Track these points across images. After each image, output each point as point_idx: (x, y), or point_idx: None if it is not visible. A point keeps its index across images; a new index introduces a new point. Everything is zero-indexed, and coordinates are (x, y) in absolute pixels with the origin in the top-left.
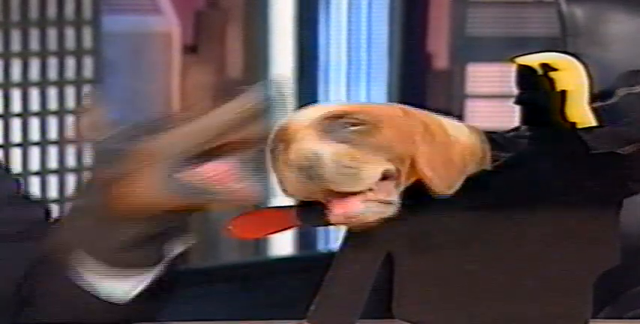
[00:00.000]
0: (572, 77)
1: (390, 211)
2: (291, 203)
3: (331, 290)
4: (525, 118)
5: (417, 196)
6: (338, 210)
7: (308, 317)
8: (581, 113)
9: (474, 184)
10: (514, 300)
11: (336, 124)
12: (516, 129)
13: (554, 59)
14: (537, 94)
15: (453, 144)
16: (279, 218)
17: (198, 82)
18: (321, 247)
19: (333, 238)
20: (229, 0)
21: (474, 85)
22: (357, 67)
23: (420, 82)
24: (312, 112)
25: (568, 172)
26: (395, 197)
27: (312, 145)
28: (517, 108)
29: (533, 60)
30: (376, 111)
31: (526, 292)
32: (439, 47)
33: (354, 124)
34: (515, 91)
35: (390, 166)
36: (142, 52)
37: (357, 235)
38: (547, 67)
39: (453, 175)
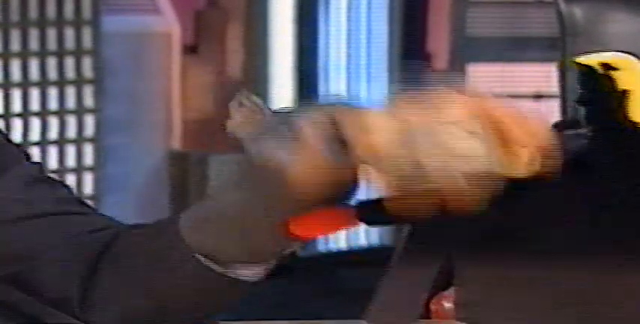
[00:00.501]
0: (633, 77)
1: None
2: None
3: (390, 290)
4: (587, 119)
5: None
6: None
7: (366, 316)
8: None
9: (536, 186)
10: (582, 308)
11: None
12: (572, 121)
13: (615, 58)
14: (598, 94)
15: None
16: (338, 217)
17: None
18: (321, 247)
19: (332, 239)
20: (229, 0)
21: (473, 85)
22: (357, 66)
23: (419, 81)
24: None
25: (631, 173)
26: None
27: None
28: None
29: (594, 59)
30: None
31: (597, 302)
32: (439, 47)
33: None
34: (513, 90)
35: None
36: (142, 52)
37: (419, 236)
38: (607, 67)
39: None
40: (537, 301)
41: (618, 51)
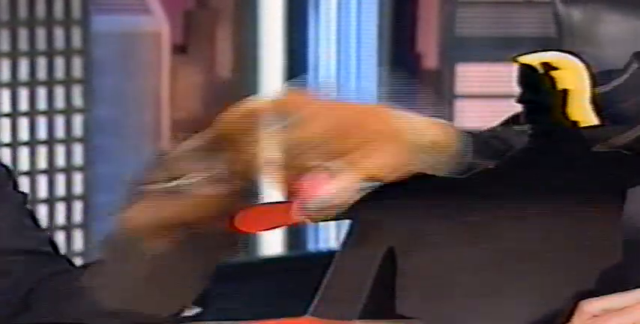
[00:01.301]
0: (573, 76)
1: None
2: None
3: (334, 284)
4: (527, 117)
5: (417, 191)
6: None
7: (311, 311)
8: (582, 112)
9: (476, 180)
10: (513, 298)
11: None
12: (507, 123)
13: (555, 58)
14: (539, 93)
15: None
16: (282, 212)
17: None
18: (311, 246)
19: (322, 238)
20: (219, 0)
21: (463, 85)
22: (347, 66)
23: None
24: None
25: (569, 171)
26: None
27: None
28: (506, 108)
29: (534, 59)
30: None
31: (525, 291)
32: (428, 47)
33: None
34: (503, 91)
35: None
36: (132, 52)
37: (360, 230)
38: (548, 66)
39: (392, 161)
40: (467, 291)
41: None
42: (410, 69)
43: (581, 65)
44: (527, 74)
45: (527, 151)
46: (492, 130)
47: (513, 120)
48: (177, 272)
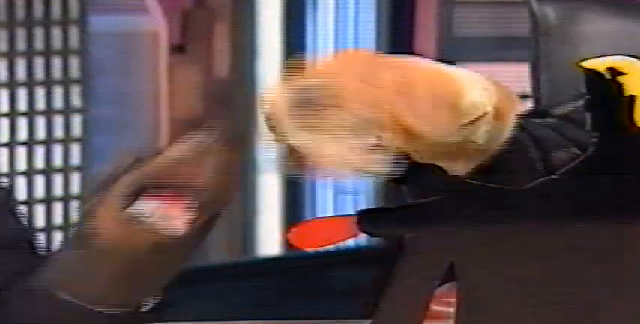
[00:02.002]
0: None
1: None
2: (352, 213)
3: (393, 298)
4: (593, 124)
5: (480, 206)
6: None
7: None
8: None
9: (539, 189)
10: (580, 317)
11: (306, 113)
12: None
13: (622, 63)
14: (605, 98)
15: (444, 92)
16: (340, 227)
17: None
18: None
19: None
20: (216, 0)
21: None
22: None
23: None
24: (284, 97)
25: (637, 179)
26: (386, 162)
27: (294, 141)
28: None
29: (600, 63)
30: (338, 86)
31: (596, 311)
32: (426, 47)
33: (320, 110)
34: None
35: (370, 139)
36: (130, 52)
37: (418, 244)
38: (614, 71)
39: (442, 117)
40: (532, 301)
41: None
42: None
43: None
44: (593, 79)
45: (593, 160)
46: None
47: (530, 114)
48: (144, 271)
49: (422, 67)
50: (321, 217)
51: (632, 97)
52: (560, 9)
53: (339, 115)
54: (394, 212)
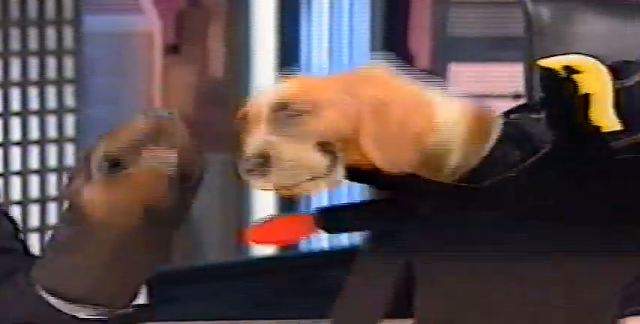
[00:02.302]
0: (596, 80)
1: (328, 185)
2: (311, 211)
3: (352, 293)
4: (549, 121)
5: (436, 203)
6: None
7: (331, 320)
8: (605, 117)
9: (498, 188)
10: (535, 309)
11: (280, 116)
12: (519, 107)
13: (578, 61)
14: (561, 97)
15: (418, 121)
16: (299, 225)
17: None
18: (303, 246)
19: (314, 239)
20: None
21: (455, 84)
22: (339, 66)
23: None
24: (263, 100)
25: (592, 176)
26: (332, 174)
27: (261, 142)
28: (499, 108)
29: (556, 62)
30: (318, 95)
31: (548, 302)
32: (420, 47)
33: (293, 115)
34: (495, 90)
35: (324, 148)
36: (124, 52)
37: (378, 241)
38: (570, 70)
39: (403, 155)
40: (484, 301)
41: (584, 51)
42: (402, 68)
43: (604, 69)
44: (549, 78)
45: (549, 157)
46: (510, 118)
47: (523, 108)
48: (131, 260)
49: (411, 93)
50: (282, 215)
51: (587, 96)
52: (554, 9)
53: (309, 123)
54: (352, 210)
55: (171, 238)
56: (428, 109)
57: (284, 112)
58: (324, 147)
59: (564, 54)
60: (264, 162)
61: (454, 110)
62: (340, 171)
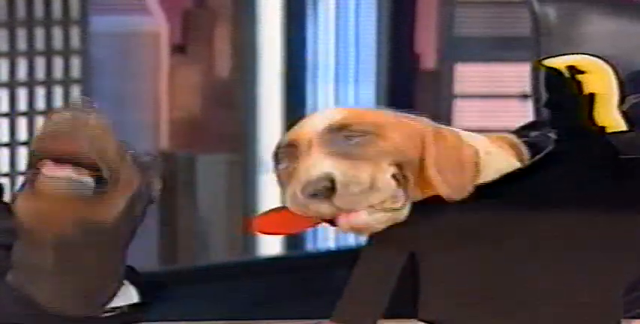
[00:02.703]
0: (600, 80)
1: (398, 217)
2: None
3: (355, 289)
4: (553, 122)
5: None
6: (342, 219)
7: (333, 315)
8: (610, 117)
9: (500, 185)
10: (537, 301)
11: (338, 138)
12: (533, 125)
13: (582, 61)
14: (565, 97)
15: (466, 148)
16: (302, 217)
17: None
18: (309, 246)
19: (321, 238)
20: (217, 0)
21: (462, 85)
22: (345, 66)
23: (408, 82)
24: (316, 124)
25: (596, 176)
26: (403, 203)
27: (321, 168)
28: (505, 108)
29: (560, 62)
30: (378, 118)
31: (549, 297)
32: (427, 47)
33: (355, 136)
34: (502, 90)
35: (394, 171)
36: (130, 52)
37: (381, 235)
38: (574, 70)
39: (462, 180)
40: (491, 294)
41: (591, 51)
42: (408, 69)
43: (608, 69)
44: (553, 78)
45: (552, 157)
46: (531, 138)
47: (540, 126)
48: (78, 268)
49: (441, 126)
50: (285, 207)
51: (591, 96)
52: (561, 9)
53: (376, 143)
54: None
55: (119, 246)
56: (466, 139)
57: (342, 134)
58: (394, 174)
59: (571, 54)
60: (330, 185)
61: (482, 141)
62: (409, 201)
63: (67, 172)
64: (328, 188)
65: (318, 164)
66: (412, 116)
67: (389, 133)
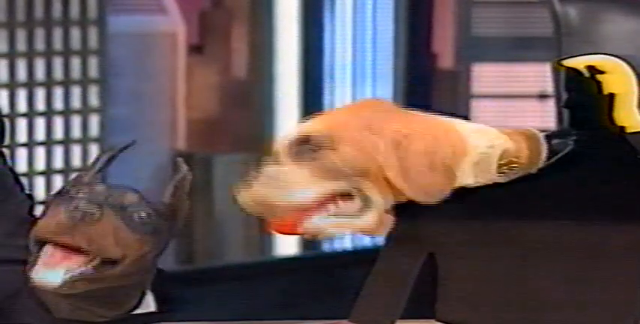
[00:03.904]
0: (620, 80)
1: (357, 223)
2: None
3: (373, 289)
4: (573, 122)
5: (460, 197)
6: (298, 227)
7: (351, 316)
8: (630, 117)
9: (520, 185)
10: (555, 303)
11: (303, 149)
12: (557, 134)
13: (601, 62)
14: (585, 97)
15: (443, 150)
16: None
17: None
18: (325, 246)
19: (337, 238)
20: (234, 0)
21: (479, 84)
22: (363, 66)
23: (425, 82)
24: (291, 135)
25: (615, 176)
26: (358, 210)
27: (280, 167)
28: (523, 107)
29: (580, 62)
30: (339, 130)
31: (569, 297)
32: (444, 47)
33: (314, 149)
34: (518, 90)
35: (347, 184)
36: (148, 53)
37: (400, 236)
38: (594, 70)
39: (434, 184)
40: (508, 295)
41: (612, 51)
42: (426, 69)
43: (628, 69)
44: (573, 78)
45: (572, 157)
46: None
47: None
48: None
49: (432, 122)
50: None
51: (611, 96)
52: (582, 9)
53: (330, 157)
54: None
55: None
56: (454, 135)
57: (306, 147)
58: (354, 186)
59: (592, 54)
60: (270, 177)
61: (487, 134)
62: (373, 213)
63: (65, 263)
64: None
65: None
66: (415, 112)
67: (342, 147)
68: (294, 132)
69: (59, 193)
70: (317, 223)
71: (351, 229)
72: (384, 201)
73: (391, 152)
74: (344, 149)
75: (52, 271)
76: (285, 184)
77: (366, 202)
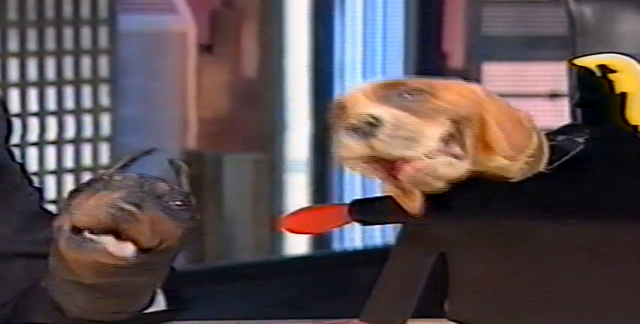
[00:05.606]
0: (632, 79)
1: (460, 168)
2: (351, 200)
3: (384, 288)
4: (585, 121)
5: (472, 196)
6: (407, 168)
7: (362, 315)
8: None
9: (532, 184)
10: (567, 302)
11: (392, 94)
12: (564, 130)
13: (613, 61)
14: (597, 96)
15: (519, 111)
16: (333, 215)
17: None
18: (336, 246)
19: (348, 237)
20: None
21: (489, 84)
22: (373, 65)
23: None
24: (369, 84)
25: (628, 175)
26: (462, 153)
27: (371, 109)
28: (533, 107)
29: (591, 61)
30: (429, 80)
31: (580, 299)
32: (454, 46)
33: (410, 94)
34: (529, 90)
35: (450, 128)
36: (158, 52)
37: (411, 235)
38: (606, 69)
39: (520, 138)
40: (519, 295)
41: (627, 51)
42: (436, 68)
43: (639, 68)
44: (585, 77)
45: (583, 156)
46: (557, 141)
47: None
48: (120, 287)
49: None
50: (315, 206)
51: (623, 95)
52: (596, 8)
53: (431, 100)
54: (385, 202)
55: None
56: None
57: (396, 91)
58: (451, 134)
59: (606, 53)
60: (375, 123)
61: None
62: (467, 160)
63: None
64: (372, 124)
65: (367, 107)
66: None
67: (441, 93)
68: (373, 84)
69: (88, 183)
70: (430, 164)
71: (451, 176)
72: (474, 157)
73: (489, 102)
74: (445, 94)
75: (122, 244)
76: (411, 132)
77: (464, 150)
